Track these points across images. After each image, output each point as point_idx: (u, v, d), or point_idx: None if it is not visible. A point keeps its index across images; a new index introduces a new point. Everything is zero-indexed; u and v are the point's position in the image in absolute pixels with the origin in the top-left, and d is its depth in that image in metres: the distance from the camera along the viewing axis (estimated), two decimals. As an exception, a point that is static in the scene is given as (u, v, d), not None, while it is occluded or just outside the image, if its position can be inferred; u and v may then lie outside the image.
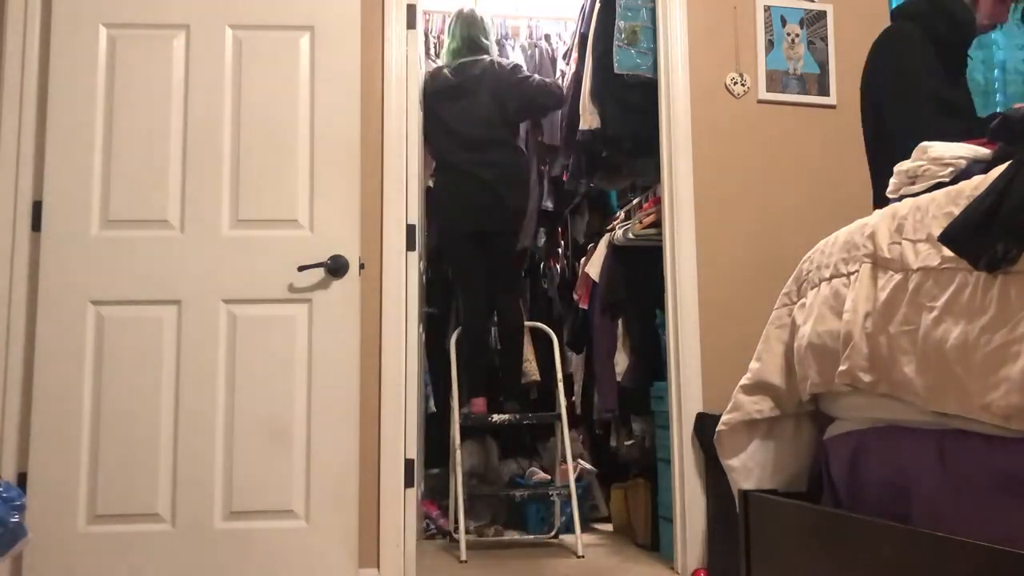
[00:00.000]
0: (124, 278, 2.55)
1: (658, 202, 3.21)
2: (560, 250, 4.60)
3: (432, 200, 3.77)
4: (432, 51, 4.22)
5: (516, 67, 3.80)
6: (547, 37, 4.50)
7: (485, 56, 3.74)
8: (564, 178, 4.10)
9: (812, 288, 1.93)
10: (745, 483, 2.05)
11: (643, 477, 3.42)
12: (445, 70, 3.70)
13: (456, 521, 3.38)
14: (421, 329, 3.18)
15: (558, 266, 4.61)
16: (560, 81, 4.09)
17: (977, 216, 1.39)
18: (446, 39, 3.86)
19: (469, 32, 3.75)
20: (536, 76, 3.83)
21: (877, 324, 1.63)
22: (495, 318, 3.83)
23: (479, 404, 3.66)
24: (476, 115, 3.62)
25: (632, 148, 3.48)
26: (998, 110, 3.33)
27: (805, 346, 1.87)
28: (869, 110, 2.54)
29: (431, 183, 3.80)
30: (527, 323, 4.02)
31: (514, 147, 3.76)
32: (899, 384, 1.58)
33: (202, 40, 2.64)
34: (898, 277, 1.60)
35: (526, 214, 3.94)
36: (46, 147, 2.58)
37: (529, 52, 4.38)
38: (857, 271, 1.73)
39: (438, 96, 3.65)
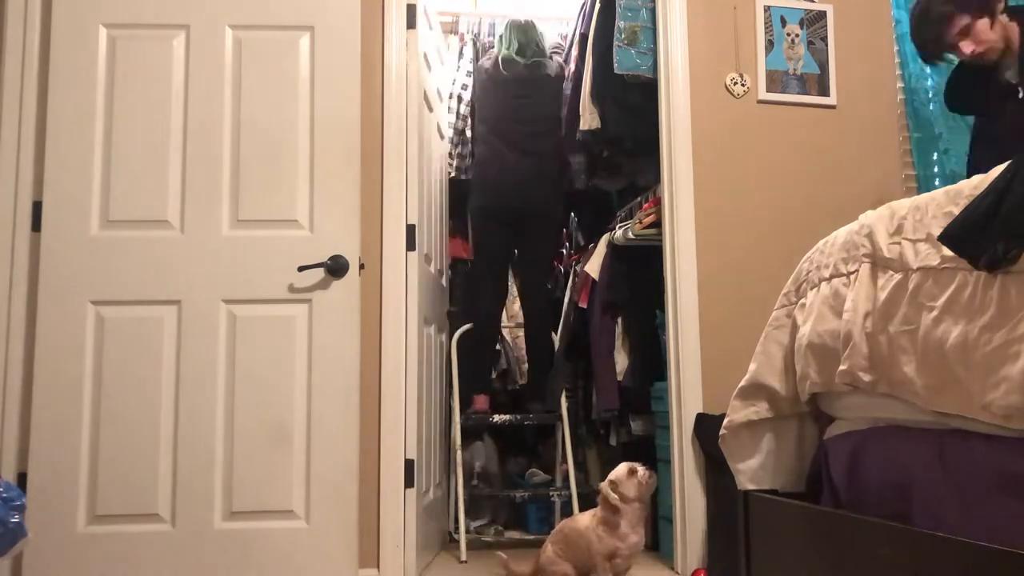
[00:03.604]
0: (124, 278, 2.55)
1: (658, 202, 3.21)
2: (564, 251, 4.60)
3: (471, 174, 3.89)
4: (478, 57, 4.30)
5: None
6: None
7: (551, 60, 3.92)
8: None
9: (812, 288, 1.92)
10: (751, 484, 2.04)
11: (643, 477, 3.41)
12: (516, 63, 3.82)
13: (456, 521, 3.38)
14: (432, 329, 3.18)
15: (562, 267, 4.61)
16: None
17: (977, 215, 1.39)
18: (500, 46, 3.94)
19: (527, 36, 3.88)
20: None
21: (877, 324, 1.63)
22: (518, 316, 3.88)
23: (481, 402, 3.66)
24: (536, 111, 3.79)
25: (632, 148, 3.48)
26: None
27: (805, 346, 1.87)
28: None
29: (468, 161, 4.00)
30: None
31: (557, 149, 3.86)
32: (899, 384, 1.58)
33: (202, 40, 2.64)
34: (898, 277, 1.60)
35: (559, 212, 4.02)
36: (46, 147, 2.58)
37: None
38: (857, 271, 1.73)
39: (507, 83, 3.79)
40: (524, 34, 3.89)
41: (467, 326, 3.74)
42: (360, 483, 2.60)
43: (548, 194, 3.79)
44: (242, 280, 2.57)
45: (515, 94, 3.81)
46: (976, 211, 1.40)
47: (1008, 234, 1.32)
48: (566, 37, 4.22)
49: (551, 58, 3.96)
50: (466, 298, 3.98)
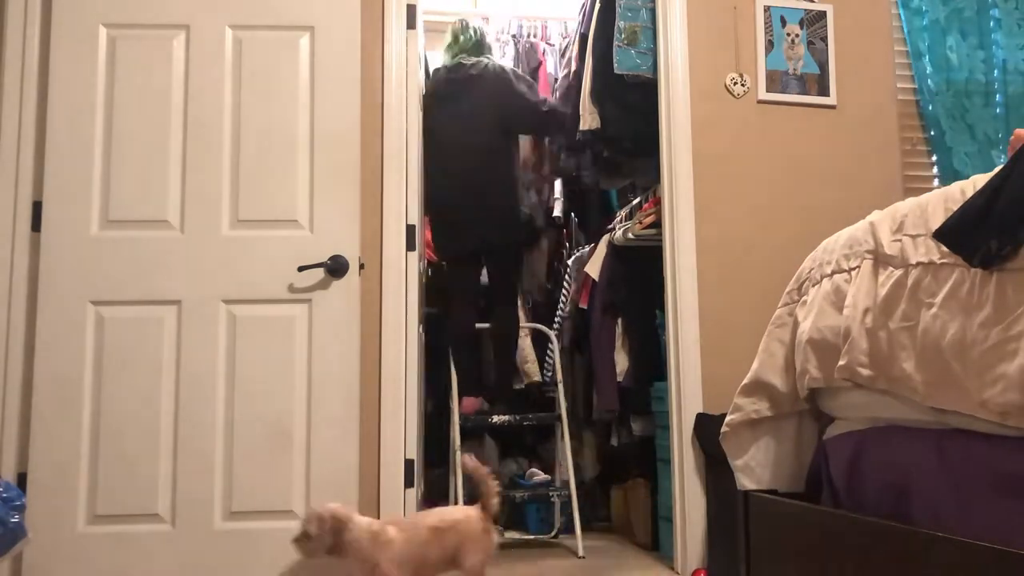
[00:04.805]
0: (124, 278, 2.55)
1: (658, 202, 3.21)
2: (565, 251, 4.60)
3: (430, 213, 3.67)
4: None
5: (514, 75, 3.71)
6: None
7: (484, 58, 3.71)
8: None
9: (814, 285, 1.93)
10: (751, 483, 2.04)
11: (643, 477, 3.42)
12: (441, 70, 3.69)
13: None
14: (421, 329, 3.18)
15: (562, 267, 4.61)
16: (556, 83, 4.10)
17: (972, 213, 1.39)
18: (446, 49, 3.79)
19: (463, 38, 3.72)
20: (538, 98, 3.73)
21: (877, 320, 1.63)
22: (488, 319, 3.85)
23: (468, 404, 3.65)
24: (470, 120, 3.57)
25: (632, 148, 3.48)
26: (998, 111, 3.33)
27: (805, 341, 1.87)
28: None
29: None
30: (529, 324, 4.02)
31: (508, 155, 3.67)
32: (897, 380, 1.58)
33: (202, 40, 2.64)
34: (898, 273, 1.60)
35: (521, 225, 3.89)
36: (46, 147, 2.59)
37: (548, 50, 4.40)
38: (858, 267, 1.73)
39: (434, 98, 3.62)
40: (465, 31, 3.71)
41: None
42: (360, 483, 2.60)
43: (511, 215, 3.67)
44: (242, 280, 2.57)
45: (451, 102, 3.59)
46: (971, 209, 1.40)
47: (1001, 231, 1.32)
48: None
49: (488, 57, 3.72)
50: (441, 299, 3.95)
